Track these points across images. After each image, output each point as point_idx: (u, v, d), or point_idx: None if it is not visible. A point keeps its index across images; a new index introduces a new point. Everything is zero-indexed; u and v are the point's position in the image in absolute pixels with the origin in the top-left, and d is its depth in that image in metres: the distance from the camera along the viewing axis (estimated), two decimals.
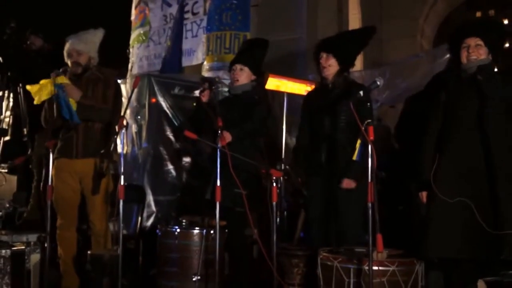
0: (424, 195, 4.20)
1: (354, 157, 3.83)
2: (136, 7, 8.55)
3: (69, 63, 5.20)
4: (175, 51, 7.44)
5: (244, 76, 4.95)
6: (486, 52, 4.14)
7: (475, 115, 4.03)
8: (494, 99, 3.99)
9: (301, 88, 6.65)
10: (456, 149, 4.07)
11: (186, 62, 8.05)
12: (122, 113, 4.70)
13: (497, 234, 3.78)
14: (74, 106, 4.91)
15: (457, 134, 4.10)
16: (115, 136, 4.49)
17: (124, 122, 4.26)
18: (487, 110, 4.00)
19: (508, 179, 3.90)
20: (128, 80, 6.48)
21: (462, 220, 3.92)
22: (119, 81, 6.41)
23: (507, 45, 6.12)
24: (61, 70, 5.08)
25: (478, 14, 9.76)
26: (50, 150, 4.54)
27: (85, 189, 5.07)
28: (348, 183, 4.37)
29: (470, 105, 4.07)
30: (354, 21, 9.88)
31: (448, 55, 5.93)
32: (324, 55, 4.67)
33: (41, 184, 5.74)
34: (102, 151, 4.75)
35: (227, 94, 5.12)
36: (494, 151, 3.94)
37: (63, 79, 4.91)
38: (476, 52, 4.12)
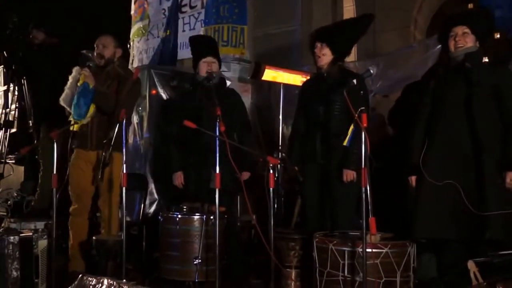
0: (413, 179, 4.31)
1: (345, 143, 3.89)
2: (135, 1, 8.58)
3: (95, 53, 5.36)
4: (170, 44, 7.50)
5: (216, 68, 5.15)
6: (473, 40, 4.21)
7: (463, 101, 4.12)
8: (481, 86, 4.07)
9: (296, 79, 6.70)
10: (444, 134, 4.18)
11: (183, 54, 8.09)
12: None
13: (481, 215, 3.90)
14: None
15: (445, 120, 4.20)
16: (116, 128, 4.60)
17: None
18: (474, 96, 4.08)
19: (493, 162, 4.02)
20: None
21: (450, 202, 4.04)
22: None
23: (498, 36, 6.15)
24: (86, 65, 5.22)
25: (470, 6, 9.75)
26: (55, 140, 4.59)
27: (97, 177, 5.18)
28: (349, 174, 4.47)
29: (457, 91, 4.16)
30: (349, 13, 9.88)
31: (440, 45, 6.05)
32: (318, 44, 4.75)
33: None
34: (104, 141, 4.89)
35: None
36: (481, 135, 4.04)
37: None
38: (462, 40, 4.19)
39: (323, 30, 4.90)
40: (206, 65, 5.10)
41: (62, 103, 5.23)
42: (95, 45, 5.39)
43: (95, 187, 5.25)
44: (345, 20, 6.75)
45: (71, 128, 5.10)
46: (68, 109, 5.17)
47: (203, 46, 5.32)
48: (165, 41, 7.50)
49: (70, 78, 5.22)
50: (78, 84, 5.10)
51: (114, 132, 4.58)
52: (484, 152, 4.04)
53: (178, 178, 5.15)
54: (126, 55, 5.52)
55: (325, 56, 4.73)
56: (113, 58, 5.37)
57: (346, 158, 4.46)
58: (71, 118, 5.08)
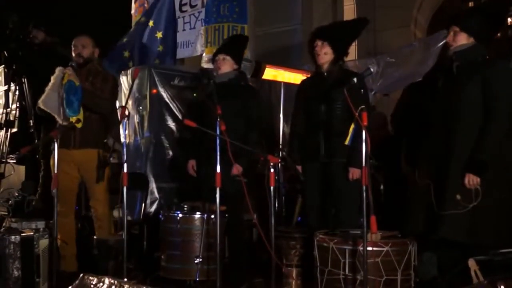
0: None
1: (346, 142, 3.86)
2: (136, 1, 8.58)
3: (73, 53, 5.38)
4: (169, 43, 7.48)
5: (227, 65, 5.08)
6: (465, 37, 4.20)
7: (450, 101, 4.14)
8: (468, 84, 4.08)
9: (297, 78, 6.68)
10: (434, 134, 4.23)
11: (184, 53, 8.10)
12: (124, 104, 4.75)
13: (441, 214, 4.00)
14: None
15: (436, 120, 4.24)
16: (117, 126, 4.61)
17: (126, 112, 4.34)
18: (455, 95, 4.10)
19: (461, 164, 4.05)
20: (129, 72, 6.56)
21: (425, 201, 4.15)
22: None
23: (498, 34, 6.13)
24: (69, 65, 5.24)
25: (471, 4, 9.76)
26: (55, 139, 4.57)
27: (84, 177, 5.27)
28: (355, 172, 4.44)
29: (448, 90, 4.18)
30: (349, 12, 9.91)
31: (441, 43, 6.07)
32: (319, 43, 4.71)
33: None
34: (105, 141, 4.90)
35: None
36: (460, 135, 4.07)
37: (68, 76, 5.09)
38: (452, 39, 4.23)
39: (324, 29, 4.89)
40: (216, 64, 5.11)
41: (41, 105, 5.20)
42: (72, 46, 5.42)
43: (79, 185, 5.29)
44: (343, 21, 6.76)
45: (78, 126, 5.10)
46: (49, 111, 5.15)
47: (220, 46, 5.34)
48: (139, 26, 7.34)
49: (52, 79, 5.20)
50: (63, 82, 5.10)
51: (116, 132, 4.59)
52: (455, 153, 4.07)
53: (190, 167, 5.15)
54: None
55: (327, 55, 4.70)
56: (92, 57, 5.43)
57: (352, 156, 4.43)
58: (72, 119, 5.08)
